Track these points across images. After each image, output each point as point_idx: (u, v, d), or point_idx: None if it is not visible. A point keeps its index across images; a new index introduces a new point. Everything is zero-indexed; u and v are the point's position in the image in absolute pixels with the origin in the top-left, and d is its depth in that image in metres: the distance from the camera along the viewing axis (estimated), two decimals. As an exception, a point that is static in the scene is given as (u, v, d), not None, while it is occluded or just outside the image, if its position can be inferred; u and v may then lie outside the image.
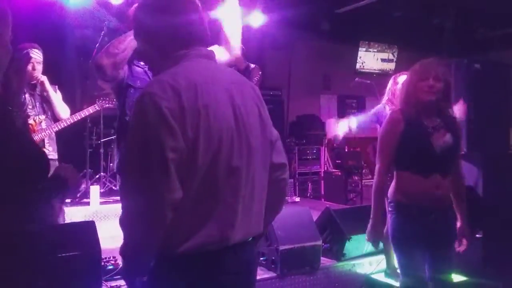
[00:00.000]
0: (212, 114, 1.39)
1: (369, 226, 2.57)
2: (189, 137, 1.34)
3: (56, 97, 3.76)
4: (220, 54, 2.39)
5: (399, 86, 3.64)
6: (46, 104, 3.73)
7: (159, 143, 1.30)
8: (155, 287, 1.44)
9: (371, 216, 2.55)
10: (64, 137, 4.09)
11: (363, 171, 7.16)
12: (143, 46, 1.55)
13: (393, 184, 2.54)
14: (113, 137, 5.78)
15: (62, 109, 3.80)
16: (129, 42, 2.38)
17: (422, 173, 2.40)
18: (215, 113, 1.40)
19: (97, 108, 4.17)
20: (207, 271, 1.41)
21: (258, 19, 6.47)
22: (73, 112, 3.94)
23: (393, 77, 3.74)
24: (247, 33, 6.30)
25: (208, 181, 1.39)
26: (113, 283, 3.33)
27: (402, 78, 3.67)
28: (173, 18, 1.48)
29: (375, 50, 9.02)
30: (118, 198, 5.38)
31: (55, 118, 3.77)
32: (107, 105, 4.45)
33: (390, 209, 2.53)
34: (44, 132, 3.67)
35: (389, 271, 3.68)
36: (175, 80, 1.38)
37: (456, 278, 3.67)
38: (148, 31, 1.51)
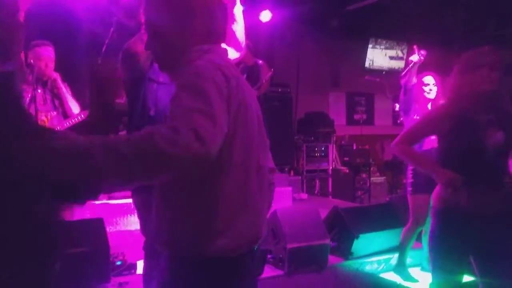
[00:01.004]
0: (248, 109, 1.36)
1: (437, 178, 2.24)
2: (230, 128, 1.26)
3: (67, 94, 3.78)
4: (229, 52, 2.38)
5: (424, 86, 3.64)
6: (57, 100, 3.75)
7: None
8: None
9: (429, 172, 2.28)
10: (78, 132, 4.10)
11: (371, 168, 7.12)
12: (163, 36, 1.41)
13: (437, 188, 2.32)
14: (122, 132, 5.80)
15: (73, 106, 3.82)
16: None
17: (470, 175, 2.13)
18: (249, 109, 1.37)
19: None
20: (236, 273, 1.33)
21: (267, 15, 6.45)
22: (84, 109, 3.95)
23: (417, 77, 3.70)
24: (256, 30, 6.31)
25: (242, 178, 1.33)
26: (122, 279, 3.35)
27: (428, 78, 3.67)
28: (204, 9, 1.41)
29: (383, 47, 8.95)
30: (126, 194, 5.40)
31: (66, 115, 3.79)
32: (117, 101, 4.46)
33: (431, 215, 2.33)
34: (56, 129, 3.69)
35: (400, 269, 3.67)
36: (224, 66, 1.31)
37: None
38: (176, 19, 1.39)
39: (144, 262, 2.56)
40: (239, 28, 2.40)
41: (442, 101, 3.72)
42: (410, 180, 3.62)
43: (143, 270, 2.56)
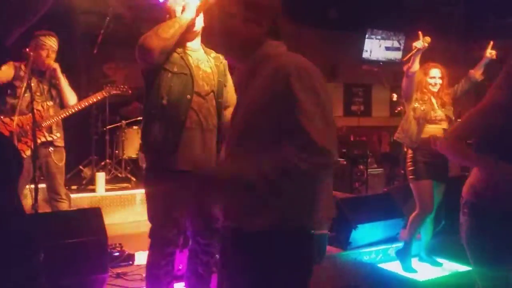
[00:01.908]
0: None
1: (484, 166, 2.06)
2: None
3: (66, 84, 3.75)
4: None
5: (430, 79, 3.62)
6: (54, 90, 3.72)
7: None
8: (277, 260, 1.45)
9: (475, 166, 2.11)
10: (70, 124, 4.07)
11: (369, 160, 7.12)
12: (247, 27, 1.51)
13: (472, 180, 2.09)
14: (118, 124, 5.76)
15: (71, 96, 3.79)
16: (177, 29, 2.36)
17: None
18: None
19: (104, 95, 4.14)
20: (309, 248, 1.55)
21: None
22: (79, 99, 3.92)
23: (420, 68, 3.66)
24: None
25: None
26: (119, 270, 3.35)
27: (434, 71, 3.64)
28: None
29: (379, 37, 8.90)
30: (123, 185, 5.40)
31: (63, 105, 3.76)
32: (114, 92, 4.42)
33: (465, 210, 2.08)
34: (52, 119, 3.66)
35: (402, 255, 3.67)
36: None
37: (464, 268, 3.66)
38: (267, 11, 1.53)
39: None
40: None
41: (449, 91, 3.71)
42: (410, 168, 3.61)
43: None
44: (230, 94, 2.66)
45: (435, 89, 3.65)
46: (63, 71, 3.81)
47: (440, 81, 3.66)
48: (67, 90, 3.74)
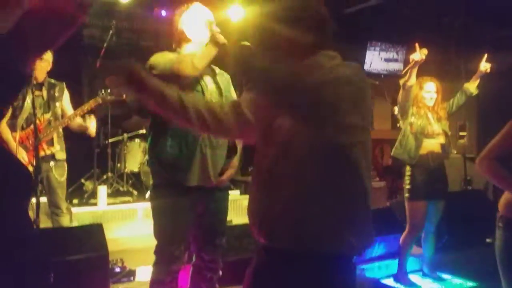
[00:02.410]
0: None
1: None
2: None
3: (66, 97, 3.79)
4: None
5: (425, 93, 3.61)
6: (52, 102, 3.73)
7: None
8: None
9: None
10: (72, 137, 4.08)
11: (371, 173, 7.12)
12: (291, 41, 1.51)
13: (509, 196, 2.05)
14: (120, 137, 5.77)
15: (69, 109, 3.81)
16: (209, 60, 2.45)
17: None
18: None
19: (99, 101, 4.13)
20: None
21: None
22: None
23: (416, 82, 3.65)
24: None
25: None
26: (120, 286, 3.33)
27: (429, 85, 3.63)
28: None
29: (378, 49, 8.93)
30: (125, 199, 5.38)
31: (58, 117, 3.76)
32: (110, 98, 4.37)
33: (500, 225, 2.06)
34: (50, 131, 3.66)
35: (400, 276, 3.65)
36: None
37: (468, 283, 3.64)
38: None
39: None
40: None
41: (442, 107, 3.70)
42: (407, 186, 3.60)
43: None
44: None
45: (431, 103, 3.63)
46: (66, 85, 3.84)
47: (435, 96, 3.63)
48: (65, 102, 3.79)
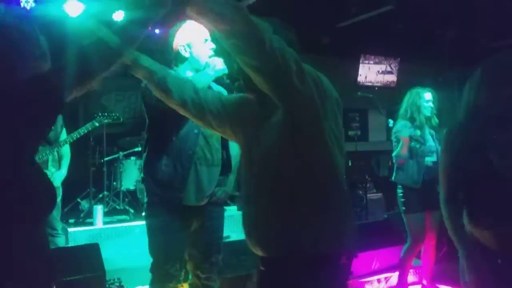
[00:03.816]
0: None
1: None
2: None
3: (58, 120, 3.77)
4: None
5: (425, 102, 3.62)
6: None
7: None
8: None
9: None
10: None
11: (367, 185, 7.10)
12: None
13: None
14: (116, 155, 5.75)
15: (61, 131, 3.81)
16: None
17: None
18: None
19: (96, 125, 4.13)
20: None
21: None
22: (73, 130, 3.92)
23: (414, 91, 3.67)
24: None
25: None
26: (118, 306, 3.29)
27: (429, 95, 3.65)
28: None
29: (372, 62, 9.01)
30: (122, 217, 5.35)
31: (55, 139, 3.75)
32: (106, 121, 4.40)
33: None
34: (45, 154, 3.65)
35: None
36: None
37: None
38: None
39: None
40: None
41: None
42: (401, 200, 3.59)
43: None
44: None
45: (429, 114, 3.66)
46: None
47: (433, 105, 3.66)
48: (61, 128, 3.77)
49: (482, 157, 1.82)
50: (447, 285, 3.83)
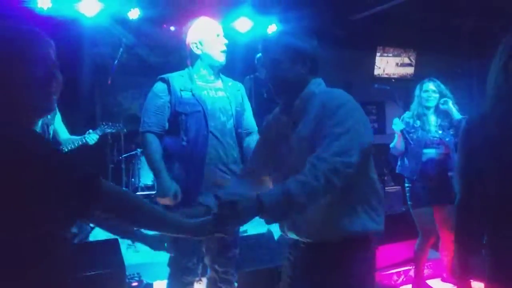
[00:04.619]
0: None
1: None
2: None
3: (58, 119, 3.79)
4: None
5: (427, 94, 3.58)
6: (45, 126, 3.71)
7: None
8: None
9: None
10: (85, 153, 4.12)
11: (385, 178, 7.04)
12: (292, 70, 1.72)
13: None
14: (134, 152, 5.81)
15: (62, 130, 3.83)
16: None
17: None
18: None
19: (98, 134, 4.17)
20: None
21: (274, 29, 6.48)
22: (93, 130, 3.95)
23: (419, 85, 3.65)
24: (264, 44, 6.33)
25: None
26: (138, 300, 3.33)
27: (427, 85, 3.61)
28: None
29: (390, 55, 8.92)
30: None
31: (54, 139, 3.78)
32: (109, 131, 4.41)
33: None
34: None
35: (418, 283, 3.60)
36: None
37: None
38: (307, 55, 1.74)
39: None
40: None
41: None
42: (407, 194, 3.57)
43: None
44: (250, 120, 2.68)
45: (431, 104, 3.60)
46: (77, 102, 3.87)
47: (435, 95, 3.59)
48: (57, 124, 3.79)
49: (505, 156, 1.50)
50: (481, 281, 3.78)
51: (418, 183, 3.50)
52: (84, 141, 4.00)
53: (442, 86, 3.63)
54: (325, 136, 1.57)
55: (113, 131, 4.47)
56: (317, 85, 1.75)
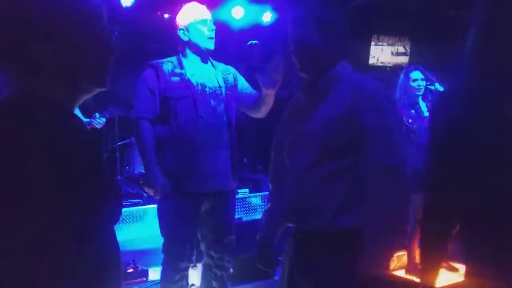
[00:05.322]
0: None
1: None
2: None
3: None
4: None
5: (417, 83, 3.57)
6: None
7: None
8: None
9: None
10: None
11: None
12: (324, 46, 1.69)
13: None
14: (128, 140, 5.79)
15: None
16: None
17: None
18: None
19: (106, 117, 4.11)
20: None
21: (268, 17, 6.45)
22: (86, 117, 3.92)
23: (404, 72, 3.64)
24: (257, 31, 6.29)
25: None
26: (134, 286, 3.35)
27: (415, 73, 3.61)
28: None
29: (385, 44, 8.90)
30: (135, 201, 5.40)
31: None
32: (101, 122, 4.25)
33: None
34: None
35: (410, 268, 3.64)
36: None
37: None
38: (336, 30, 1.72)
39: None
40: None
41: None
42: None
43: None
44: (242, 83, 2.67)
45: (421, 92, 3.58)
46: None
47: (423, 83, 3.56)
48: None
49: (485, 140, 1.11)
50: (459, 263, 3.82)
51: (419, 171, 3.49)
52: (92, 125, 3.95)
53: (424, 70, 3.63)
54: (367, 129, 1.56)
55: (121, 114, 4.40)
56: (344, 67, 1.74)
